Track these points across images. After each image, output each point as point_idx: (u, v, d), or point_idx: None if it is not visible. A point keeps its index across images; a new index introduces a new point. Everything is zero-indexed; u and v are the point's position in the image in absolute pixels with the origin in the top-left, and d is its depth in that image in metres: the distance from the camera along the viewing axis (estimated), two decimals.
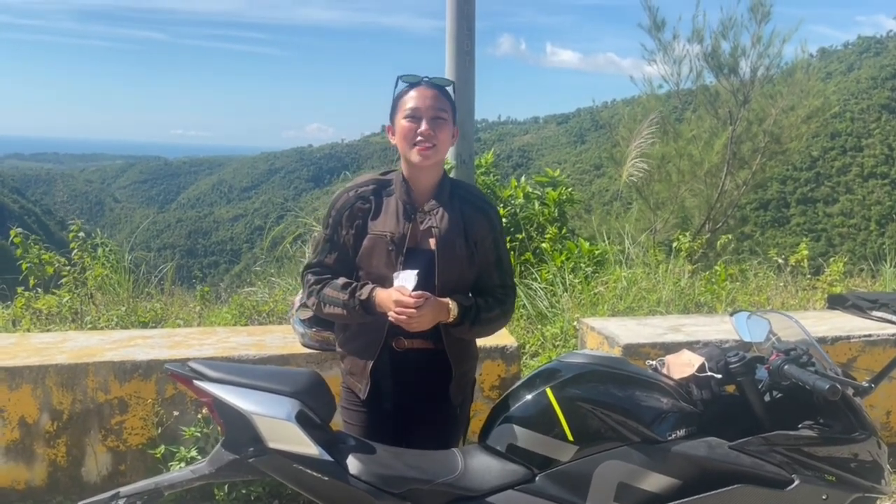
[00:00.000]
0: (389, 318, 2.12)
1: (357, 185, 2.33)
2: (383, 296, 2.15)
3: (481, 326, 2.28)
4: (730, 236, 8.77)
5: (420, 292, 2.08)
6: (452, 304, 2.18)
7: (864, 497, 1.98)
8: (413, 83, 2.26)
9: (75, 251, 5.52)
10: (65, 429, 3.43)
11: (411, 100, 2.23)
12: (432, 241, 2.23)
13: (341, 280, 2.26)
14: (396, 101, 2.28)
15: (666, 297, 5.65)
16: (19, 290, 5.28)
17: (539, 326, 5.29)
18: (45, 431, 3.41)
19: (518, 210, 7.09)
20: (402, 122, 2.24)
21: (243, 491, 3.46)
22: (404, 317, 2.08)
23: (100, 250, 5.81)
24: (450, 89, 2.31)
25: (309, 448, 1.80)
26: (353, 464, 1.83)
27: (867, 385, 1.94)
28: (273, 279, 6.25)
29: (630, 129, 10.86)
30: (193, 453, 3.38)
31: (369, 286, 2.21)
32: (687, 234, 7.73)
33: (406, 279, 2.11)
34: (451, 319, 2.18)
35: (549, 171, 7.68)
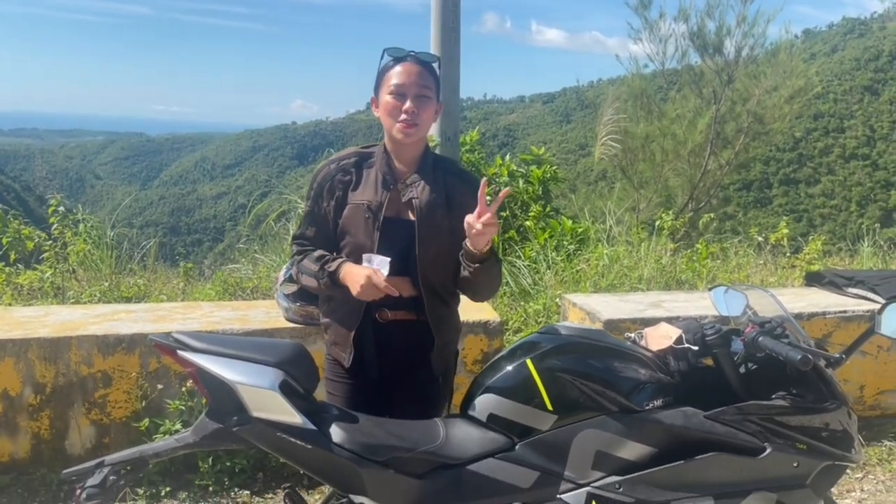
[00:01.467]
0: (353, 293, 2.14)
1: (339, 158, 2.35)
2: (351, 270, 2.17)
3: (495, 272, 2.28)
4: (712, 215, 8.84)
5: (389, 281, 2.10)
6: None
7: (835, 465, 2.03)
8: (399, 58, 2.26)
9: (55, 226, 5.48)
10: (48, 402, 3.43)
11: (396, 76, 2.23)
12: (412, 213, 2.25)
13: (318, 252, 2.30)
14: (381, 74, 2.28)
15: (647, 274, 5.71)
16: None
17: (522, 303, 5.33)
18: (29, 404, 3.42)
19: (502, 188, 7.11)
20: (386, 98, 2.24)
21: (227, 464, 3.49)
22: (368, 294, 2.11)
23: (81, 226, 5.77)
24: (435, 65, 2.32)
25: (292, 417, 1.82)
26: (336, 432, 1.86)
27: (839, 356, 1.99)
28: (257, 256, 6.24)
29: (615, 108, 10.90)
30: (178, 426, 3.39)
31: (340, 260, 2.24)
32: (670, 213, 7.79)
33: (381, 265, 2.13)
34: (486, 248, 2.16)
35: (533, 150, 7.69)
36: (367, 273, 2.11)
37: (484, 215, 2.05)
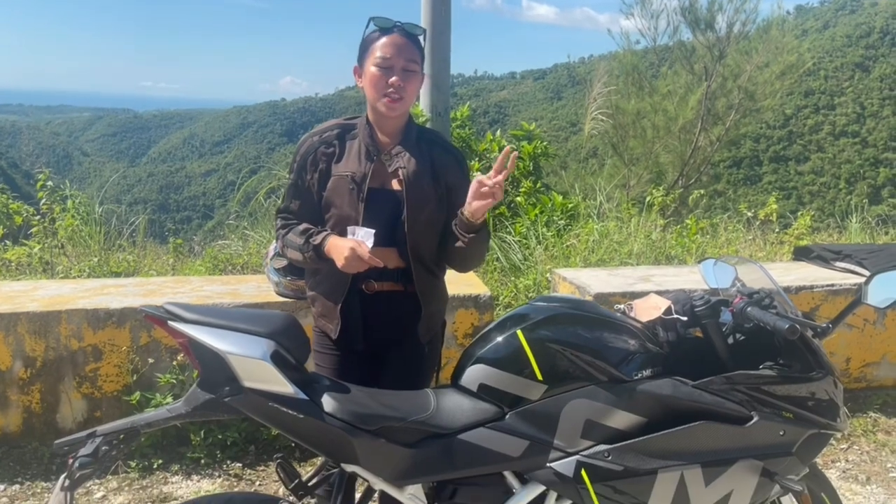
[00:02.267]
0: (338, 265, 2.13)
1: (321, 130, 2.33)
2: (336, 243, 2.16)
3: (486, 242, 2.31)
4: (702, 192, 8.87)
5: (374, 253, 2.10)
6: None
7: (820, 433, 2.06)
8: (385, 29, 2.23)
9: (44, 201, 5.44)
10: (38, 376, 3.43)
11: (382, 48, 2.21)
12: (399, 183, 2.25)
13: (303, 226, 2.29)
14: (367, 44, 2.25)
15: (637, 249, 5.74)
16: None
17: (512, 278, 5.35)
18: (19, 378, 3.42)
19: (493, 163, 7.10)
20: (371, 70, 2.22)
21: (219, 436, 3.50)
22: (352, 266, 2.10)
23: (69, 202, 5.74)
24: (421, 38, 2.29)
25: (284, 387, 1.82)
26: (327, 402, 1.86)
27: (826, 325, 2.00)
28: (247, 232, 6.23)
29: (606, 84, 10.86)
30: (168, 400, 3.41)
31: (324, 233, 2.23)
32: (660, 189, 7.80)
33: (366, 237, 2.13)
34: (482, 219, 2.19)
35: (524, 125, 7.68)
36: (352, 245, 2.11)
37: (496, 177, 2.05)
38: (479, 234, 2.21)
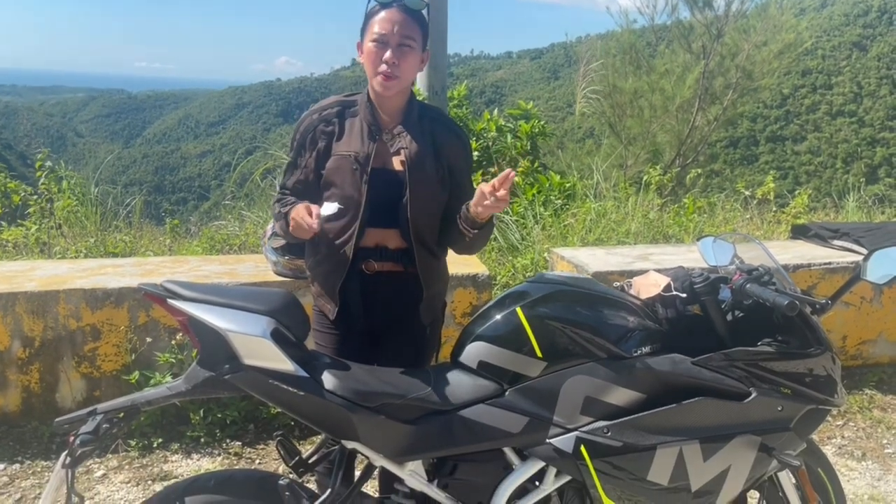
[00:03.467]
0: (297, 231, 2.13)
1: (321, 108, 2.30)
2: (297, 208, 2.14)
3: (489, 233, 2.31)
4: (699, 171, 8.86)
5: (320, 220, 2.08)
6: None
7: (818, 409, 2.07)
8: (384, 4, 2.19)
9: (42, 180, 5.41)
10: (37, 355, 3.43)
11: (379, 23, 2.17)
12: (401, 162, 2.22)
13: (291, 199, 2.28)
14: (367, 19, 2.22)
15: (635, 228, 5.74)
16: None
17: (510, 258, 5.35)
18: (18, 358, 3.42)
19: (490, 143, 7.07)
20: (368, 45, 2.19)
21: (219, 415, 3.52)
22: (297, 231, 2.11)
23: (64, 183, 5.71)
24: (424, 12, 2.24)
25: (284, 364, 1.82)
26: (328, 379, 1.86)
27: (825, 302, 2.01)
28: (244, 213, 6.22)
29: (604, 64, 10.81)
30: (167, 379, 3.42)
31: (297, 202, 2.22)
32: (657, 168, 7.79)
33: (326, 209, 2.11)
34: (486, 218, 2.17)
35: (521, 104, 7.63)
36: (303, 211, 2.07)
37: (500, 190, 2.03)
38: (483, 229, 2.21)
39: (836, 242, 4.63)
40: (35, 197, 5.35)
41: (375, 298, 2.31)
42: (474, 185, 2.36)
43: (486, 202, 2.05)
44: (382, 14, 2.17)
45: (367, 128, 2.24)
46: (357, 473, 2.07)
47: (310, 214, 2.07)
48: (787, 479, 2.21)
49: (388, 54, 2.15)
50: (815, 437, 2.73)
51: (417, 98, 2.39)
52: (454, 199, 2.30)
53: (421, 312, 2.33)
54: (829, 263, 4.25)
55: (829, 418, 3.82)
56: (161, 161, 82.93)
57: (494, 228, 2.35)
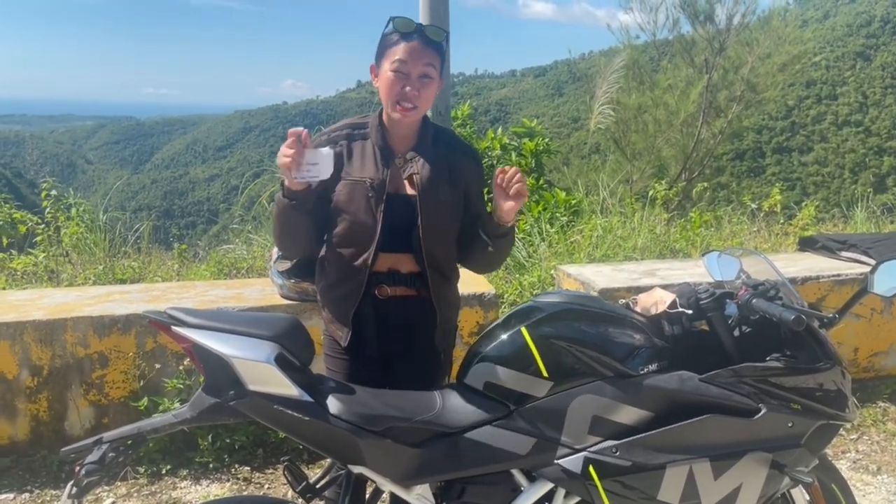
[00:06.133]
0: (278, 162, 2.06)
1: (331, 130, 2.30)
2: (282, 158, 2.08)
3: (511, 242, 2.33)
4: (705, 184, 8.85)
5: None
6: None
7: (829, 424, 2.04)
8: (405, 34, 2.15)
9: (48, 209, 5.45)
10: (46, 384, 3.44)
11: (401, 52, 2.14)
12: (413, 188, 2.21)
13: None
14: (385, 45, 2.18)
15: (641, 244, 5.72)
16: None
17: (517, 276, 5.34)
18: (26, 387, 3.42)
19: (495, 161, 7.09)
20: (387, 74, 2.16)
21: (227, 440, 3.50)
22: (288, 159, 2.03)
23: (73, 210, 5.75)
24: (443, 42, 2.21)
25: (289, 389, 1.81)
26: (333, 404, 1.86)
27: (833, 316, 1.99)
28: (251, 236, 6.24)
29: (610, 80, 10.85)
30: (176, 405, 3.40)
31: None
32: (663, 183, 7.78)
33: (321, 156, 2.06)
34: (512, 221, 2.21)
35: (525, 122, 7.67)
36: (286, 147, 2.03)
37: (514, 183, 2.08)
38: (507, 236, 2.23)
39: (845, 254, 4.60)
40: (42, 226, 5.39)
41: (388, 323, 2.28)
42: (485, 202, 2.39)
43: (506, 204, 2.09)
44: (403, 44, 2.14)
45: (379, 152, 2.23)
46: (366, 497, 2.05)
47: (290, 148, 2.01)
48: (800, 496, 2.19)
49: (408, 88, 2.14)
50: (828, 451, 2.70)
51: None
52: (471, 218, 2.30)
53: (436, 338, 2.31)
54: (838, 275, 4.22)
55: (842, 432, 3.78)
56: (170, 186, 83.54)
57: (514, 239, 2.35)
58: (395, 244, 2.20)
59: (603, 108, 9.94)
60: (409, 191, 2.22)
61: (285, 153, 2.04)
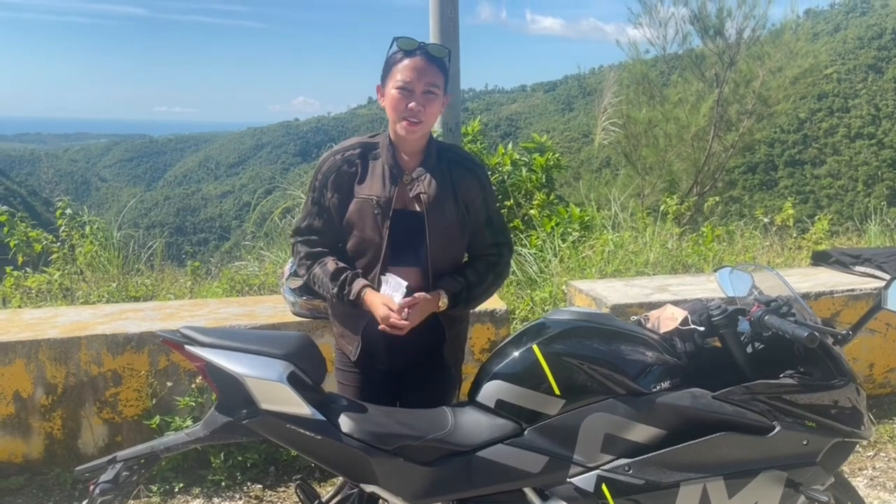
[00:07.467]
0: (382, 320, 2.16)
1: (343, 149, 2.33)
2: (373, 300, 2.18)
3: (476, 300, 2.33)
4: (717, 198, 8.81)
5: (408, 301, 2.13)
6: (442, 297, 2.22)
7: (845, 442, 2.03)
8: (408, 51, 2.21)
9: (63, 228, 5.51)
10: (60, 402, 3.46)
11: (404, 70, 2.19)
12: (421, 206, 2.24)
13: (331, 265, 2.26)
14: (390, 65, 2.24)
15: (653, 259, 5.70)
16: (8, 269, 5.27)
17: (528, 291, 5.33)
18: (41, 405, 3.44)
19: (506, 177, 7.10)
20: (392, 92, 2.21)
21: (239, 458, 3.51)
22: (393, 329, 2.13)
23: (87, 228, 5.80)
24: (445, 59, 2.26)
25: (301, 408, 1.82)
26: (345, 422, 1.86)
27: (846, 332, 1.98)
28: (263, 252, 6.26)
29: (616, 94, 10.86)
30: (188, 423, 3.42)
31: (359, 284, 2.22)
32: (674, 197, 7.76)
33: (395, 288, 2.14)
34: (442, 309, 2.23)
35: (535, 137, 7.68)
36: (384, 312, 2.14)
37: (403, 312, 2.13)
38: (453, 310, 2.28)
39: (858, 269, 4.57)
40: (57, 244, 5.44)
41: (397, 338, 2.30)
42: (501, 214, 2.42)
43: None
44: (406, 62, 2.20)
45: (388, 171, 2.27)
46: None
47: (389, 310, 2.13)
48: None
49: (412, 104, 2.18)
50: (844, 469, 2.67)
51: (434, 136, 2.41)
52: (475, 234, 2.34)
53: (445, 353, 2.34)
54: (852, 290, 4.19)
55: (858, 449, 3.74)
56: (182, 203, 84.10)
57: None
58: (404, 259, 2.23)
59: (605, 124, 9.96)
60: (417, 207, 2.25)
61: (393, 321, 2.13)
